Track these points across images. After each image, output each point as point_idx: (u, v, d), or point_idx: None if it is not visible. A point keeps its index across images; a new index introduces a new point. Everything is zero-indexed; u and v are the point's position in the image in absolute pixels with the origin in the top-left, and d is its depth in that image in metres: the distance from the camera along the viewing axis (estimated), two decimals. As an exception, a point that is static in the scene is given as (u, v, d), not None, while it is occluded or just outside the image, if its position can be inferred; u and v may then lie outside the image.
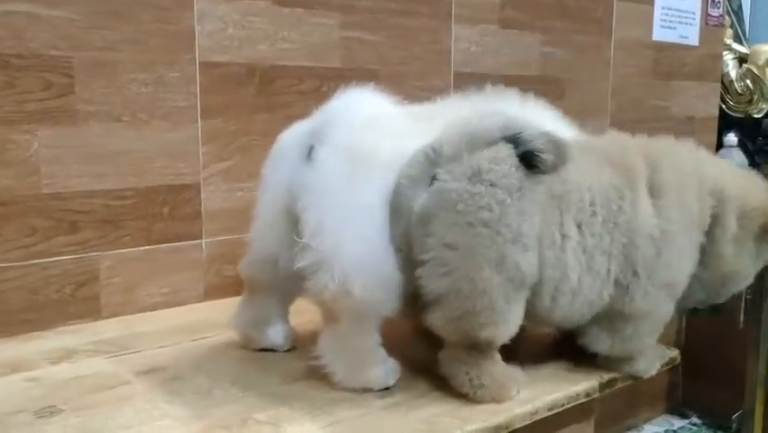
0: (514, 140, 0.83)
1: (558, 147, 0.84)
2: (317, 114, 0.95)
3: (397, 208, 0.85)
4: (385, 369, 0.91)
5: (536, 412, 0.89)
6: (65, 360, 1.02)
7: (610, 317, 0.94)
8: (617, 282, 0.91)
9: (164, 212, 1.26)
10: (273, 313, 1.03)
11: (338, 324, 0.89)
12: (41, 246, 1.14)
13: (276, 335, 1.04)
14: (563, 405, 0.93)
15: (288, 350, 1.04)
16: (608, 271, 0.90)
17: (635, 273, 0.92)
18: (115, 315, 1.22)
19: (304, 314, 1.03)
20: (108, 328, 1.16)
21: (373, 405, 0.87)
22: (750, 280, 1.03)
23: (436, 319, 0.84)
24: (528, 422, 0.88)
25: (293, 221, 0.89)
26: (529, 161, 0.82)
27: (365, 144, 0.87)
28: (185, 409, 0.86)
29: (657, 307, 0.95)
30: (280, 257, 0.94)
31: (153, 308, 1.26)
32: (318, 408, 0.86)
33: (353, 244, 0.85)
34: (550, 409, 0.91)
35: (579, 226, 0.88)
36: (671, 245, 0.93)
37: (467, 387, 0.87)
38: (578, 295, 0.89)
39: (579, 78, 1.97)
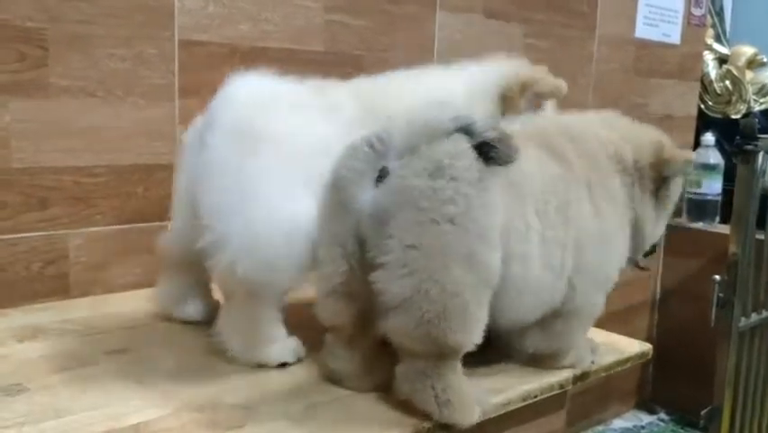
0: (467, 130, 0.79)
1: (509, 138, 0.80)
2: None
3: (341, 203, 0.80)
4: (282, 346, 0.93)
5: (509, 403, 0.89)
6: (31, 338, 0.99)
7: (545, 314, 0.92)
8: (569, 281, 0.90)
9: (138, 192, 1.23)
10: (191, 288, 1.05)
11: (233, 301, 0.92)
12: (10, 222, 1.11)
13: (194, 310, 1.06)
14: (536, 396, 0.92)
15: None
16: (563, 265, 0.88)
17: (580, 272, 0.91)
18: (85, 294, 1.19)
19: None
20: (77, 307, 1.13)
21: (344, 392, 0.86)
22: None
23: (398, 326, 0.78)
24: (501, 412, 0.88)
25: (196, 204, 0.91)
26: (486, 153, 0.79)
27: (249, 123, 0.89)
28: (155, 391, 0.84)
29: (592, 303, 0.94)
30: (190, 238, 0.94)
31: (125, 288, 1.24)
32: (291, 392, 0.85)
33: (243, 225, 0.87)
34: (523, 400, 0.90)
35: (537, 214, 0.85)
36: (610, 244, 0.94)
37: (431, 404, 0.79)
38: (538, 293, 0.87)
39: (561, 71, 1.96)
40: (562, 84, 1.12)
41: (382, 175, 0.78)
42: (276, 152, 0.89)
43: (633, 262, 1.02)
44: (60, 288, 1.18)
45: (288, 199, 0.89)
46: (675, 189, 1.02)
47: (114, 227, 1.22)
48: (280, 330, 0.94)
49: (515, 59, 1.15)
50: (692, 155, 1.05)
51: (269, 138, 0.89)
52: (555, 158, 0.91)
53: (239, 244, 0.87)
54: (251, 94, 0.92)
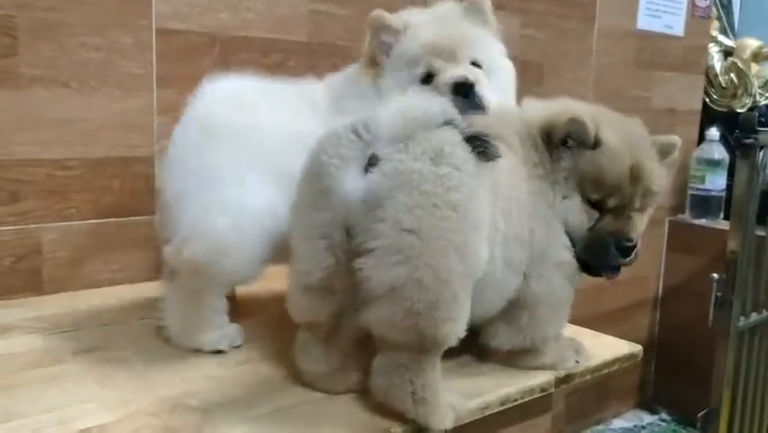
0: (453, 124, 0.77)
1: (489, 135, 0.78)
2: None
3: (324, 191, 0.76)
4: (219, 334, 0.94)
5: (487, 407, 0.85)
6: (-1, 336, 0.97)
7: (507, 307, 0.89)
8: (524, 273, 0.87)
9: (114, 185, 1.20)
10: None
11: (178, 283, 0.93)
12: (-21, 216, 1.09)
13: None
14: (516, 400, 0.89)
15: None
16: (521, 260, 0.86)
17: (533, 258, 0.87)
18: (59, 290, 1.16)
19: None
20: (50, 304, 1.11)
21: (313, 395, 0.83)
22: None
23: (384, 315, 0.74)
24: (478, 417, 0.84)
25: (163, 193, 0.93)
26: (477, 147, 0.77)
27: (214, 117, 0.91)
28: (115, 393, 0.81)
29: (552, 289, 0.90)
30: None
31: (100, 285, 1.21)
32: (257, 395, 0.82)
33: (194, 210, 0.88)
34: (502, 404, 0.87)
35: (503, 215, 0.83)
36: (551, 221, 0.89)
37: (407, 401, 0.76)
38: (498, 288, 0.85)
39: (559, 64, 1.92)
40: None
41: (372, 162, 0.75)
42: (234, 144, 0.90)
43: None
44: (33, 284, 1.15)
45: (240, 189, 0.89)
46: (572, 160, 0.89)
47: (90, 222, 1.19)
48: (221, 318, 0.95)
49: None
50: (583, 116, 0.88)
51: (229, 131, 0.91)
52: (508, 149, 0.88)
53: (188, 228, 0.87)
54: (222, 92, 0.95)
